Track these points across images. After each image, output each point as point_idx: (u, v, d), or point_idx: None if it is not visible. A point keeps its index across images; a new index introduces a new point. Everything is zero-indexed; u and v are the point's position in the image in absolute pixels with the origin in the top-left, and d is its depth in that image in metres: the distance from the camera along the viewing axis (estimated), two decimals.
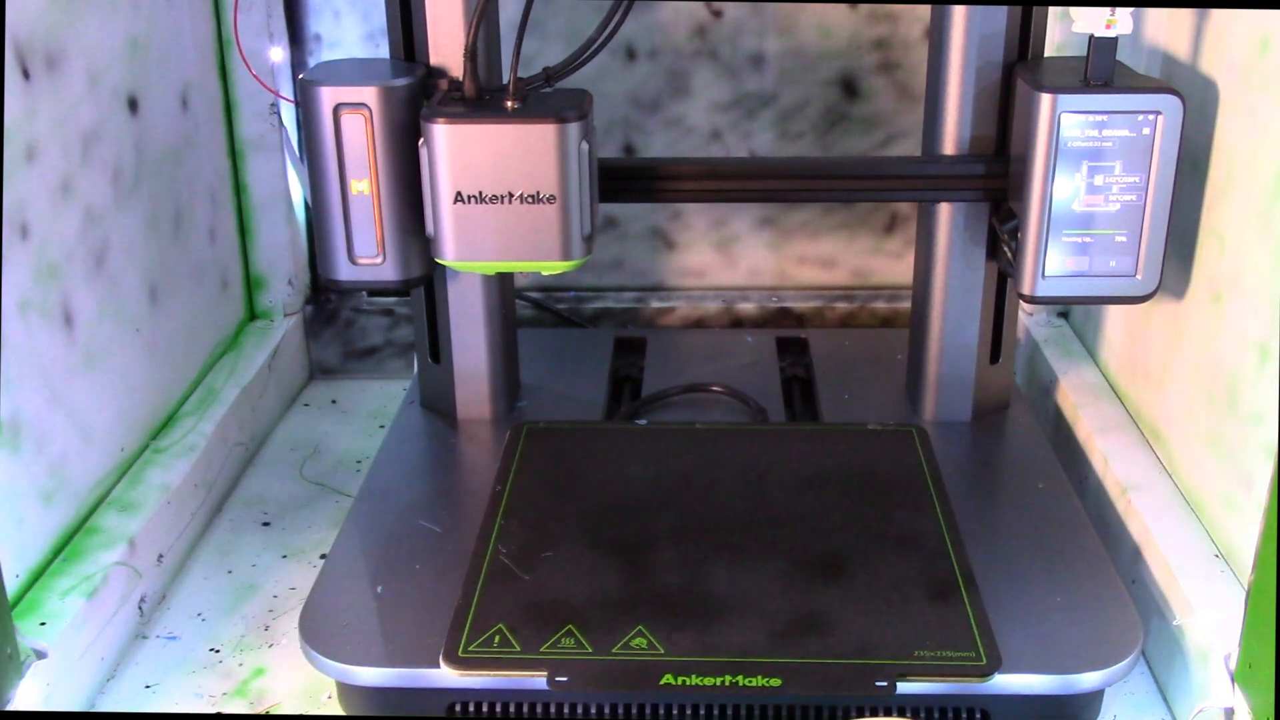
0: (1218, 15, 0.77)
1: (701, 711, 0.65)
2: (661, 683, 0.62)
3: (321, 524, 0.89)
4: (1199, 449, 0.78)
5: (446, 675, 0.64)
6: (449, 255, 0.76)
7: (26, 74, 0.70)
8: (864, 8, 1.02)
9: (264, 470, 0.97)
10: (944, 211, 0.85)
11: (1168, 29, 0.84)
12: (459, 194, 0.74)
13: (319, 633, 0.68)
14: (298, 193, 1.05)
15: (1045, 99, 0.73)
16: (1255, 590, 0.61)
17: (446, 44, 0.78)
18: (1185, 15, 0.81)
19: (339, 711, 0.69)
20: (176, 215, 0.90)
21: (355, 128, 0.75)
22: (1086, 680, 0.64)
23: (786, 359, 1.03)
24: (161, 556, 0.80)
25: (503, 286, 0.89)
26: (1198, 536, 0.75)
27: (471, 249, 0.75)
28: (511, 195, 0.74)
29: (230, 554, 0.86)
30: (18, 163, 0.69)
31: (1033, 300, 0.78)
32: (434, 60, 0.79)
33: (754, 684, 0.62)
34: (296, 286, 1.08)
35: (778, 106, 1.06)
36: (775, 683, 0.62)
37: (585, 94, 0.77)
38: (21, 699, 0.62)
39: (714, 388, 0.96)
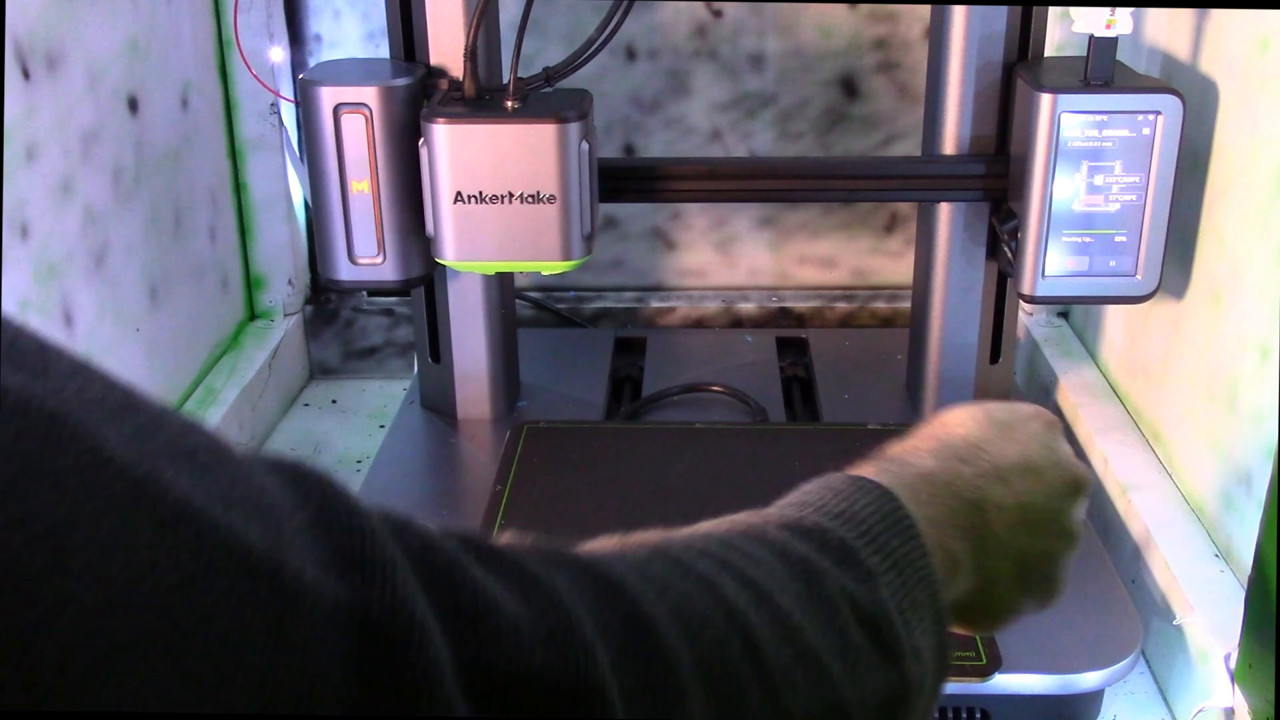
0: (1218, 15, 0.77)
1: None
2: None
3: None
4: (1199, 449, 0.78)
5: None
6: (449, 255, 0.76)
7: (26, 74, 0.70)
8: (864, 8, 1.02)
9: None
10: (944, 211, 0.85)
11: (1168, 29, 0.84)
12: (459, 194, 0.74)
13: None
14: (298, 193, 1.05)
15: (1045, 99, 0.73)
16: (1255, 590, 0.61)
17: (446, 44, 0.78)
18: (1185, 15, 0.81)
19: None
20: (176, 215, 0.90)
21: (355, 128, 0.75)
22: (1086, 680, 0.64)
23: (786, 359, 1.03)
24: None
25: (503, 286, 0.89)
26: (1198, 536, 0.75)
27: (471, 249, 0.75)
28: (511, 195, 0.74)
29: None
30: (18, 163, 0.69)
31: (1033, 300, 0.78)
32: (434, 60, 0.78)
33: None
34: (296, 286, 1.08)
35: (778, 106, 1.06)
36: None
37: (585, 94, 0.77)
38: None
39: (714, 388, 0.96)
